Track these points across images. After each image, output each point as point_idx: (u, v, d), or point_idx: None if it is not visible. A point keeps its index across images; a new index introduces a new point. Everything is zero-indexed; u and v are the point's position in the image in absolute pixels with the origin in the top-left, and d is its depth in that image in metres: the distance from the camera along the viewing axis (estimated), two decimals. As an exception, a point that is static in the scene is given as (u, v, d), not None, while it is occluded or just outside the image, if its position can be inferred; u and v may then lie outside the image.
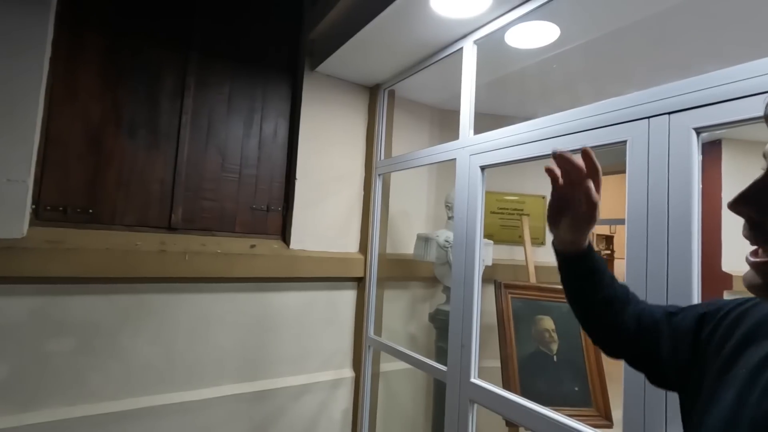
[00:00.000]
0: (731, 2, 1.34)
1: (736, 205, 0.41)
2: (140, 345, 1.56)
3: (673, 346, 0.60)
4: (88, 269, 1.44)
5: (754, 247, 0.42)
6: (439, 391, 2.02)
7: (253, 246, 1.81)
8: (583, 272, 0.71)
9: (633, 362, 0.69)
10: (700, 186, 0.94)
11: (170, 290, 1.62)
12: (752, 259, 0.42)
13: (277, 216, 1.97)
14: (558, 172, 0.64)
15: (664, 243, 0.95)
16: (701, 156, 0.95)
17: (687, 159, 0.93)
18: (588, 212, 0.65)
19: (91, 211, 1.56)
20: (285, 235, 1.97)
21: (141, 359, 1.56)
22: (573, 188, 0.64)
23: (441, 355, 1.95)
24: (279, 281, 1.87)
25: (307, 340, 1.94)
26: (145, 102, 1.66)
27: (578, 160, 0.62)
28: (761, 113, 0.82)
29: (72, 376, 1.44)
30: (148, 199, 1.66)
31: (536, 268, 2.27)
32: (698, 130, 0.93)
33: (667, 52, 1.66)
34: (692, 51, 1.62)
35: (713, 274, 2.68)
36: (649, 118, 1.00)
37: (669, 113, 0.97)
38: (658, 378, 0.65)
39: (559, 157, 0.62)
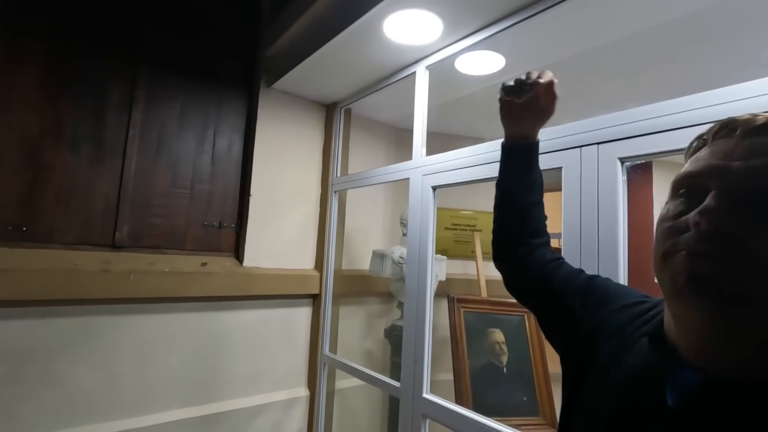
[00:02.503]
0: (652, 46, 1.49)
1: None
2: (80, 371, 1.47)
3: (573, 307, 0.64)
4: (22, 291, 1.34)
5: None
6: (393, 407, 2.03)
7: (204, 264, 1.77)
8: (528, 162, 0.81)
9: (525, 296, 0.77)
10: (626, 208, 1.04)
11: (114, 312, 1.54)
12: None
13: (230, 233, 1.93)
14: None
15: (595, 256, 1.04)
16: (631, 177, 1.06)
17: (613, 185, 1.03)
18: (548, 104, 0.78)
19: (25, 228, 1.46)
20: (238, 252, 1.93)
21: (81, 386, 1.47)
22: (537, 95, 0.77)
23: (396, 371, 1.97)
24: (232, 300, 1.82)
25: (261, 359, 1.90)
26: (89, 114, 1.60)
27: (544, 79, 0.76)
28: (677, 147, 0.93)
29: (1, 407, 1.33)
30: (90, 215, 1.58)
31: (487, 282, 2.36)
32: (622, 160, 1.03)
33: (596, 87, 1.82)
34: (617, 87, 1.79)
35: (645, 285, 2.89)
36: (581, 147, 1.10)
37: (598, 143, 1.07)
38: (546, 323, 0.72)
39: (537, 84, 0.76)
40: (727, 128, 0.44)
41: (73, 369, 1.46)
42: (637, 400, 0.46)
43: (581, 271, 0.73)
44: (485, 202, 2.69)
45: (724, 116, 0.85)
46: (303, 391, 2.02)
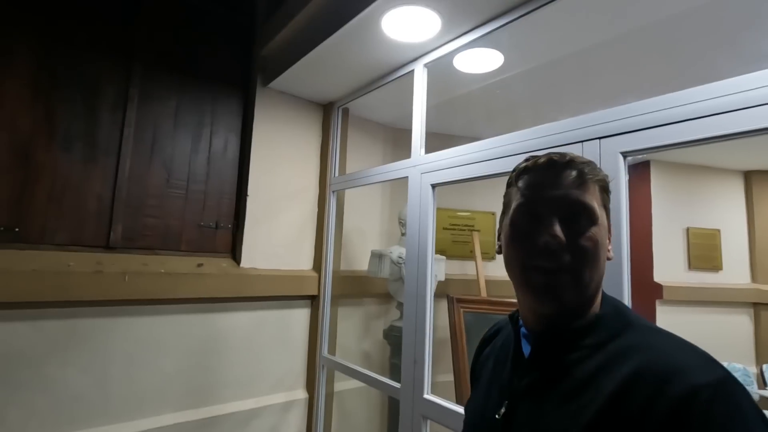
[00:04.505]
0: (649, 41, 1.49)
1: None
2: (70, 375, 1.43)
3: None
4: (11, 293, 1.31)
5: None
6: (393, 408, 2.01)
7: (200, 265, 1.74)
8: None
9: None
10: (628, 204, 1.02)
11: (106, 314, 1.51)
12: None
13: (226, 233, 1.91)
14: None
15: (598, 258, 1.01)
16: (629, 177, 1.04)
17: (616, 180, 1.01)
18: None
19: (17, 229, 1.43)
20: (235, 253, 1.91)
21: (71, 390, 1.43)
22: None
23: (395, 372, 1.95)
24: (228, 301, 1.80)
25: (257, 361, 1.87)
26: (82, 113, 1.57)
27: None
28: (677, 140, 0.92)
29: (-12, 413, 1.30)
30: (83, 216, 1.55)
31: (487, 282, 2.34)
32: (624, 154, 1.01)
33: (596, 82, 1.81)
34: (616, 83, 1.78)
35: (646, 285, 2.89)
36: (582, 142, 1.08)
37: (599, 138, 1.05)
38: None
39: None
40: (543, 164, 0.59)
41: (63, 373, 1.42)
42: (504, 361, 0.66)
43: None
44: (482, 202, 2.68)
45: (724, 108, 0.86)
46: (301, 394, 1.99)
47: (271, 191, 1.97)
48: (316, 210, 2.14)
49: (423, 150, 1.59)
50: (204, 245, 1.83)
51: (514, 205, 0.61)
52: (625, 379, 0.49)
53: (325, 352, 2.00)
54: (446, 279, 2.26)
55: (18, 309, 1.36)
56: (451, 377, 2.03)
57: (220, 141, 1.91)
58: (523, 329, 0.65)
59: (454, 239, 2.60)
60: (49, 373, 1.40)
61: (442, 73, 1.70)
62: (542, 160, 0.60)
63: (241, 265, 1.85)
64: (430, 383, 1.44)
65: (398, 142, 2.52)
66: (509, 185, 0.66)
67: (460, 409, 1.29)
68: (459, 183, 1.45)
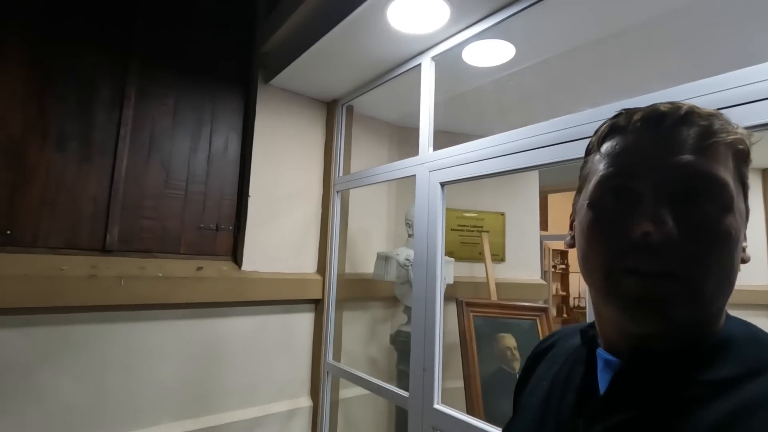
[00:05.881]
0: (670, 30, 1.41)
1: None
2: (63, 383, 1.37)
3: None
4: (1, 299, 1.25)
5: None
6: (401, 416, 1.93)
7: (200, 268, 1.67)
8: None
9: None
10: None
11: (101, 320, 1.45)
12: None
13: (227, 235, 1.84)
14: None
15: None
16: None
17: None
18: None
19: (8, 232, 1.38)
20: (236, 255, 1.84)
21: (64, 400, 1.37)
22: None
23: (402, 379, 1.87)
24: (228, 306, 1.73)
25: (259, 368, 1.80)
26: (77, 112, 1.51)
27: None
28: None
29: (-24, 424, 1.24)
30: (77, 218, 1.49)
31: (497, 285, 2.26)
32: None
33: (614, 73, 1.73)
34: (637, 72, 1.70)
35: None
36: (604, 134, 1.01)
37: (623, 130, 0.97)
38: None
39: None
40: (643, 119, 0.41)
41: (55, 382, 1.36)
42: (564, 390, 0.48)
43: None
44: (491, 202, 2.60)
45: (757, 96, 0.77)
46: (305, 402, 1.92)
47: (273, 192, 1.91)
48: (320, 211, 2.07)
49: (431, 147, 1.52)
50: (204, 248, 1.77)
51: (595, 178, 0.43)
52: None
53: (329, 358, 1.92)
54: (455, 282, 2.18)
55: (8, 315, 1.29)
56: (459, 383, 1.95)
57: (220, 140, 1.85)
58: (600, 350, 0.47)
59: (463, 241, 2.52)
60: (42, 383, 1.34)
61: (450, 67, 1.63)
62: (640, 114, 0.41)
63: (243, 268, 1.79)
64: (440, 392, 1.36)
65: (405, 141, 2.44)
66: (589, 152, 0.48)
67: (474, 420, 1.21)
68: (468, 181, 1.38)
